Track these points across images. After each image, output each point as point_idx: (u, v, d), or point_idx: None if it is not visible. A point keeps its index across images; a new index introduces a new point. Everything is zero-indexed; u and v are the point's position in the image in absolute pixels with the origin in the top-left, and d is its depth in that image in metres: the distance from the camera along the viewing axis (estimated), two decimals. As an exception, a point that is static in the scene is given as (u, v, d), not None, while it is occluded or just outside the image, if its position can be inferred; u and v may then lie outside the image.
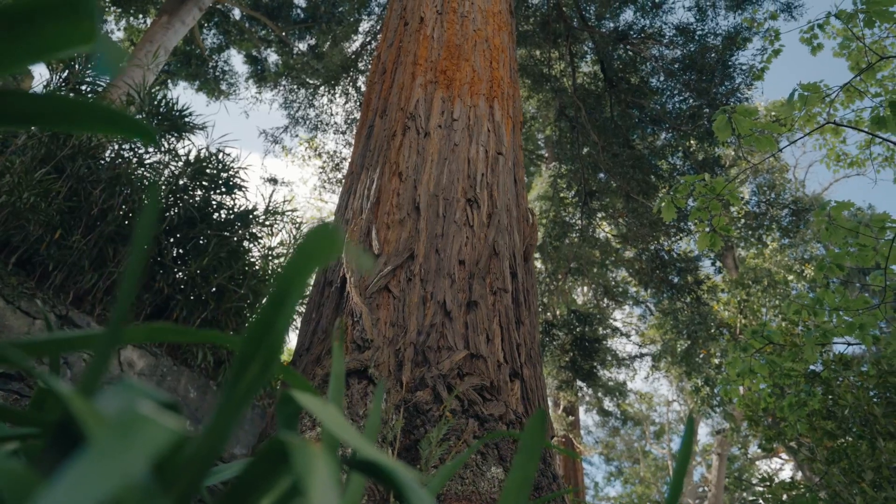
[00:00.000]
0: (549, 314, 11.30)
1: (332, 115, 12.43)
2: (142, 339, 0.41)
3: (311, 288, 2.94)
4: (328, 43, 12.89)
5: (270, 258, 5.51)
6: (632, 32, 9.23)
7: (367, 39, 11.81)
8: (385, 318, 2.28)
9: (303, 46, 13.39)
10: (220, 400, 0.42)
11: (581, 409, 18.79)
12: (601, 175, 10.10)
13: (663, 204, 4.01)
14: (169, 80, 13.29)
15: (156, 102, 5.67)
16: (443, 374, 2.11)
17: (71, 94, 5.15)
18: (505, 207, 2.91)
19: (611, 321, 14.54)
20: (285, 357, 8.51)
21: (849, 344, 5.24)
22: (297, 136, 12.93)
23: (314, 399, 0.47)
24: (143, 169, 4.92)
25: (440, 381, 2.08)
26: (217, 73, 13.72)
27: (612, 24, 9.81)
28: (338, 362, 0.73)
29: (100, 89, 5.81)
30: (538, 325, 2.96)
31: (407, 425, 1.94)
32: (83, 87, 5.54)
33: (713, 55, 8.36)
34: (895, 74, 8.91)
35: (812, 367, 6.66)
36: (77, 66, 5.44)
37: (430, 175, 2.83)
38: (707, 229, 4.22)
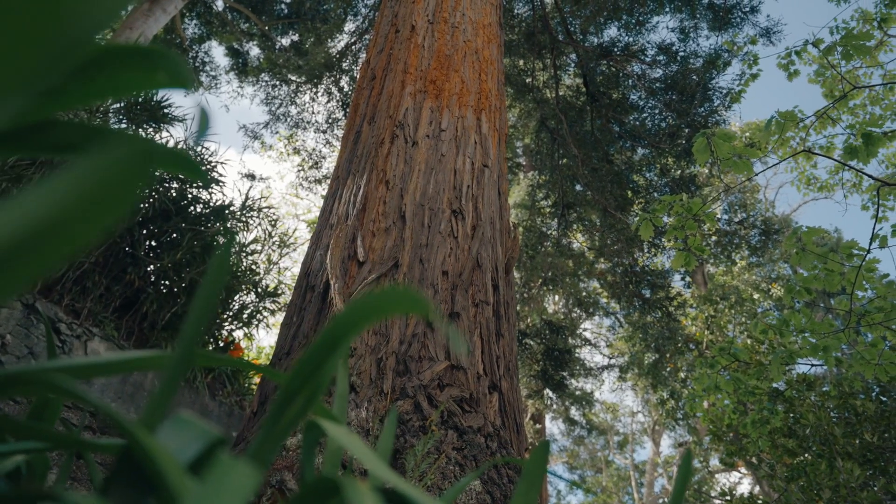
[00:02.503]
0: (521, 323, 11.39)
1: (313, 113, 12.37)
2: (210, 363, 0.43)
3: (292, 291, 2.94)
4: (311, 40, 12.83)
5: (245, 255, 5.48)
6: (615, 49, 9.36)
7: (353, 40, 11.79)
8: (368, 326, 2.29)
9: (286, 42, 13.30)
10: (263, 431, 0.44)
11: (547, 418, 18.93)
12: (579, 187, 10.22)
13: (641, 223, 4.09)
14: (147, 69, 13.05)
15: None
16: (424, 384, 2.13)
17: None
18: (489, 220, 2.94)
19: (581, 331, 14.71)
20: (264, 359, 8.43)
21: (812, 365, 5.39)
22: (277, 132, 12.84)
23: (341, 429, 0.49)
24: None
25: (421, 391, 2.10)
26: (197, 64, 13.57)
27: (596, 40, 9.94)
28: (342, 382, 0.75)
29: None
30: (516, 338, 2.99)
31: (387, 434, 1.95)
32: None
33: (694, 77, 8.53)
34: (866, 104, 9.18)
35: (775, 385, 6.82)
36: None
37: (416, 184, 2.85)
38: (682, 248, 4.31)
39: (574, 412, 16.87)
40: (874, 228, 4.04)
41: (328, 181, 13.68)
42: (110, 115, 5.34)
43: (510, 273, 3.02)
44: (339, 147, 3.75)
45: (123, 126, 5.34)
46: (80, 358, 0.38)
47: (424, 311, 0.31)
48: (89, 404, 0.34)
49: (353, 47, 11.80)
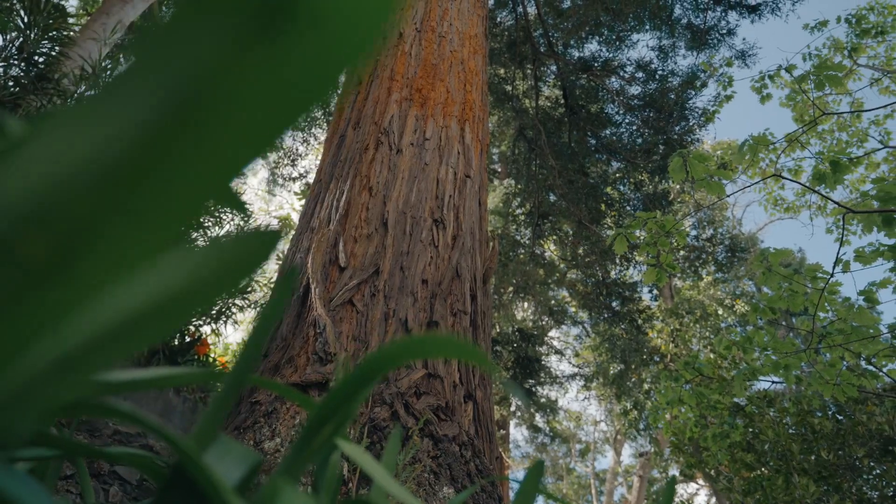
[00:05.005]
0: (492, 331, 11.44)
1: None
2: (260, 385, 0.45)
3: (268, 291, 2.94)
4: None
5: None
6: (595, 64, 9.50)
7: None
8: (348, 331, 2.31)
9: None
10: (292, 453, 0.46)
11: (511, 424, 19.04)
12: (553, 197, 10.33)
13: (616, 238, 4.17)
14: (122, 56, 12.88)
15: (109, 80, 5.50)
16: (401, 391, 2.16)
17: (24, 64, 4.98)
18: (469, 230, 2.98)
19: (549, 339, 14.83)
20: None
21: (773, 382, 5.53)
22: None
23: (354, 447, 0.52)
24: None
25: (398, 398, 2.12)
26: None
27: (577, 53, 10.07)
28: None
29: (53, 62, 5.61)
30: (490, 347, 3.04)
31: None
32: (37, 58, 5.34)
33: (672, 96, 8.71)
34: (834, 129, 9.48)
35: (736, 399, 6.98)
36: (32, 35, 5.25)
37: (399, 192, 2.88)
38: (654, 264, 4.40)
39: (538, 419, 17.01)
40: (838, 253, 4.17)
41: (303, 179, 13.59)
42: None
43: (487, 283, 3.06)
44: (322, 149, 3.75)
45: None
46: (128, 372, 0.40)
47: (478, 359, 0.34)
48: (148, 427, 0.36)
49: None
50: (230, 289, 0.23)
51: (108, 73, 5.51)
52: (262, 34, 0.13)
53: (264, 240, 0.23)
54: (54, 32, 5.53)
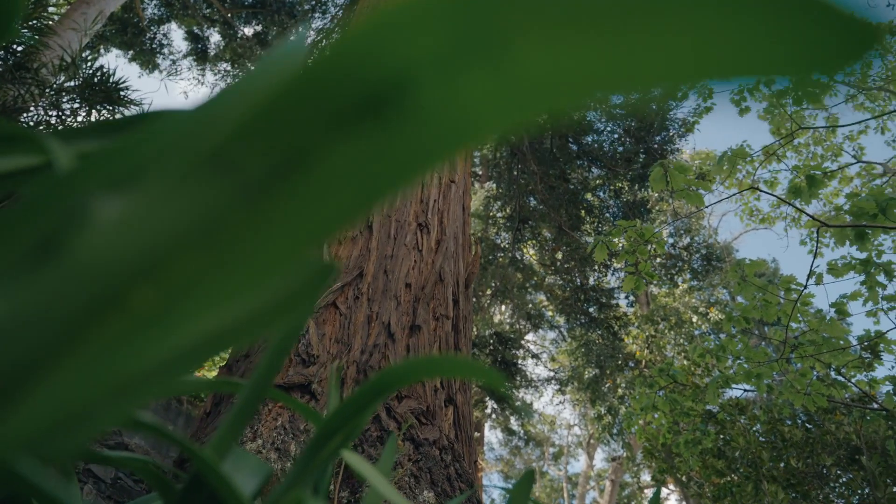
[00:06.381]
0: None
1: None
2: (278, 399, 0.46)
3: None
4: (275, 31, 12.68)
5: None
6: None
7: (320, 38, 11.71)
8: (331, 333, 2.31)
9: (248, 32, 13.11)
10: (297, 465, 0.48)
11: (486, 426, 19.08)
12: (534, 202, 10.39)
13: (596, 246, 4.22)
14: (102, 46, 12.69)
15: (91, 71, 5.44)
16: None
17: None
18: (453, 235, 3.00)
19: (525, 342, 14.91)
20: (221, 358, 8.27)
21: (745, 390, 5.63)
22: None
23: (358, 458, 0.53)
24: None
25: (380, 402, 2.13)
26: (154, 45, 13.21)
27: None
28: (334, 402, 0.79)
29: (32, 51, 5.51)
30: (471, 351, 3.05)
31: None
32: (15, 46, 5.25)
33: (654, 106, 8.81)
34: (810, 143, 9.68)
35: (708, 407, 7.09)
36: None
37: (384, 195, 2.88)
38: (632, 272, 4.46)
39: (513, 422, 17.07)
40: (812, 265, 4.26)
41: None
42: (63, 93, 5.19)
43: (469, 288, 3.08)
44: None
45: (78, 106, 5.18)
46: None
47: (491, 379, 0.36)
48: (173, 440, 0.37)
49: (320, 45, 11.71)
50: (285, 318, 0.24)
51: (88, 64, 5.42)
52: (364, 121, 0.15)
53: (319, 271, 0.24)
54: (34, 21, 5.43)
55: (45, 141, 0.30)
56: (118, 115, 5.33)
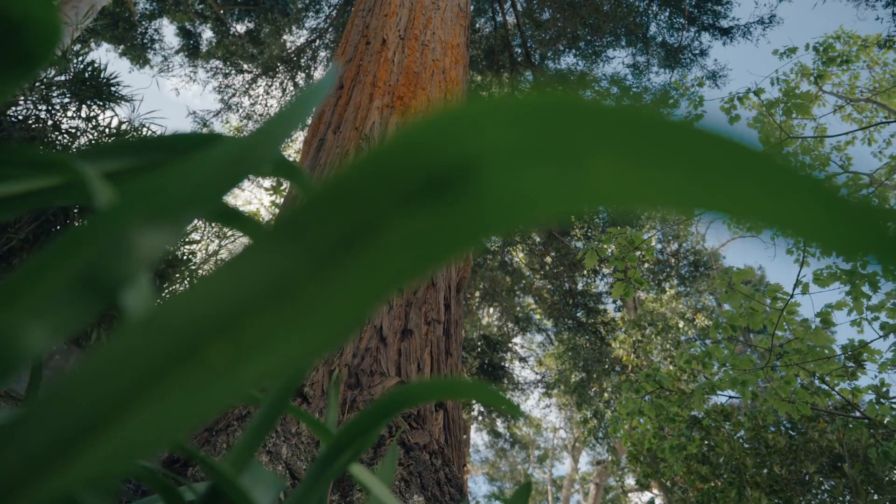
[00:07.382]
0: (456, 333, 11.49)
1: (266, 106, 12.17)
2: (296, 416, 0.47)
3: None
4: (268, 29, 12.64)
5: (182, 243, 5.36)
6: (571, 76, 9.64)
7: (313, 38, 11.69)
8: (323, 337, 2.32)
9: (241, 29, 13.06)
10: (307, 481, 0.49)
11: (472, 428, 19.11)
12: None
13: (587, 252, 4.25)
14: (92, 40, 12.61)
15: (82, 66, 5.40)
16: (374, 398, 2.17)
17: None
18: (446, 239, 3.01)
19: (512, 345, 14.96)
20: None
21: (730, 397, 5.68)
22: (227, 122, 12.56)
23: (366, 473, 0.55)
24: (58, 133, 4.69)
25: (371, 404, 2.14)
26: (145, 41, 13.13)
27: (552, 65, 10.20)
28: (333, 411, 0.80)
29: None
30: (461, 356, 3.07)
31: (335, 447, 1.99)
32: None
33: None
34: (798, 153, 9.77)
35: (693, 412, 7.14)
36: None
37: (378, 199, 2.89)
38: (622, 279, 4.50)
39: (499, 424, 17.11)
40: (798, 275, 4.31)
41: (273, 178, 13.43)
42: (53, 87, 5.15)
43: (461, 293, 3.09)
44: (301, 151, 3.75)
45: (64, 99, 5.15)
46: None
47: (505, 405, 0.37)
48: (193, 455, 0.38)
49: (313, 45, 11.70)
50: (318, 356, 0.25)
51: (79, 58, 5.38)
52: (428, 199, 0.16)
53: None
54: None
55: (80, 168, 0.31)
56: (109, 113, 5.28)
